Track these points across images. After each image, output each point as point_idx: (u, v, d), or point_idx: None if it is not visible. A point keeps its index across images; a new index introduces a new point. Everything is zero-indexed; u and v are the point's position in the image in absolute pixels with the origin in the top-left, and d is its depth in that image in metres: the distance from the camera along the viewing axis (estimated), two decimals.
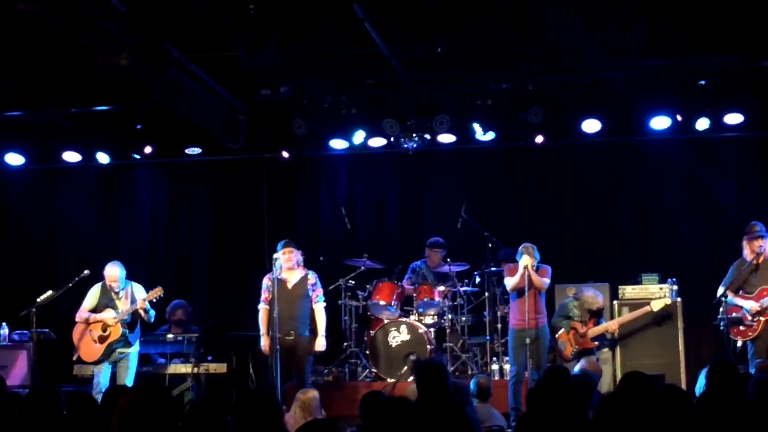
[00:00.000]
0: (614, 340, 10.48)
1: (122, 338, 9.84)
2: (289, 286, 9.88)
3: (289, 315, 9.78)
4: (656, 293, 10.51)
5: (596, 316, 10.34)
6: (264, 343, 9.77)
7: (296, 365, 9.83)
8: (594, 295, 10.32)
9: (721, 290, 9.88)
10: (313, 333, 9.88)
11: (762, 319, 9.69)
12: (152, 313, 10.00)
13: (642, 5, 8.78)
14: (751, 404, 5.32)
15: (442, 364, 6.91)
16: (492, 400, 8.19)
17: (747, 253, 9.87)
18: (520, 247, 9.87)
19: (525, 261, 9.68)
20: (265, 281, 9.88)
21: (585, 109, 10.94)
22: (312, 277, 9.99)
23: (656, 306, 10.34)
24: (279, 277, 9.84)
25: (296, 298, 9.84)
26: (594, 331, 10.24)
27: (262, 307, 9.87)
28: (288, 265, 9.86)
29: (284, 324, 9.75)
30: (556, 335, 10.35)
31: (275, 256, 9.85)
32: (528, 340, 9.55)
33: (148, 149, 11.62)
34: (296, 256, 9.92)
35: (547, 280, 9.89)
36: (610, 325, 10.32)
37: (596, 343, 10.31)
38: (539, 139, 11.02)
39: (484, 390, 8.01)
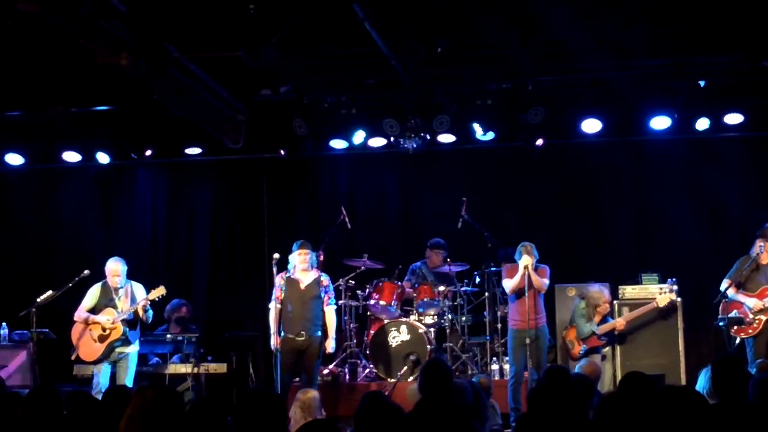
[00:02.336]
0: (615, 336, 10.43)
1: (123, 337, 9.83)
2: (302, 286, 9.88)
3: (301, 315, 9.79)
4: (656, 293, 10.50)
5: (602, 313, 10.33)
6: (274, 341, 9.77)
7: (306, 366, 9.83)
8: (599, 291, 10.30)
9: (724, 284, 9.89)
10: (324, 334, 9.88)
11: (763, 317, 9.71)
12: (150, 313, 9.99)
13: (642, 5, 8.78)
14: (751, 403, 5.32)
15: (448, 364, 6.92)
16: (492, 400, 8.18)
17: (756, 252, 9.87)
18: (519, 247, 9.84)
19: (525, 261, 9.65)
20: (278, 280, 9.86)
21: (585, 109, 10.95)
22: (325, 280, 9.99)
23: (662, 302, 10.33)
24: (292, 276, 9.85)
25: (308, 299, 9.85)
26: (601, 329, 10.22)
27: (274, 306, 9.84)
28: (303, 267, 9.87)
29: (295, 324, 9.76)
30: (563, 334, 10.35)
31: (290, 256, 9.88)
32: (528, 341, 9.54)
33: (147, 149, 11.62)
34: (311, 257, 9.93)
35: (546, 281, 9.87)
36: (618, 323, 10.29)
37: (604, 341, 10.28)
38: (539, 142, 11.01)
39: (484, 390, 8.00)
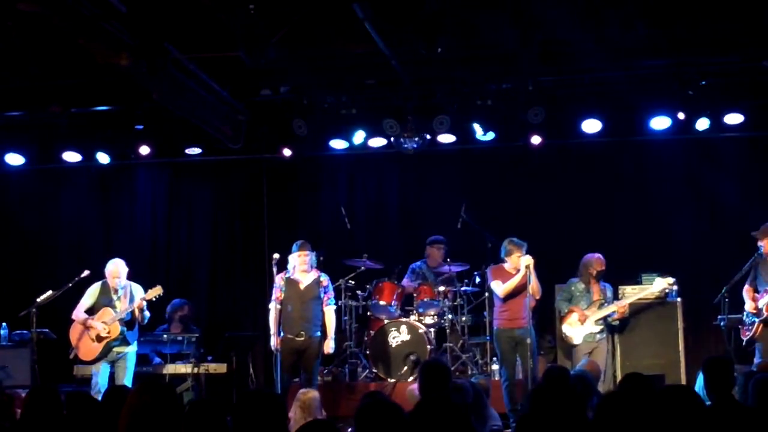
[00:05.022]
0: (613, 327, 10.37)
1: (120, 336, 9.82)
2: (302, 287, 9.88)
3: (301, 315, 9.80)
4: (656, 292, 10.47)
5: (600, 278, 10.23)
6: (274, 342, 9.77)
7: (305, 366, 9.83)
8: (589, 258, 10.20)
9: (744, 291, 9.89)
10: (323, 335, 9.89)
11: (756, 320, 9.66)
12: (147, 314, 9.98)
13: (642, 5, 8.78)
14: (748, 403, 5.34)
15: (446, 364, 6.92)
16: (491, 401, 8.18)
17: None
18: (506, 244, 9.77)
19: (527, 261, 9.59)
20: (278, 280, 9.88)
21: (585, 109, 10.94)
22: (324, 280, 10.00)
23: (658, 286, 10.31)
24: (292, 277, 9.86)
25: (308, 299, 9.85)
26: (597, 315, 10.12)
27: (274, 306, 9.85)
28: (303, 267, 9.87)
29: (295, 324, 9.77)
30: (560, 323, 10.29)
31: (290, 256, 9.89)
32: (528, 340, 9.50)
33: (147, 149, 11.63)
34: (311, 258, 9.94)
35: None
36: (618, 307, 10.21)
37: (602, 326, 10.21)
38: (536, 139, 10.97)
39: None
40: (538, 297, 9.79)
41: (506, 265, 9.80)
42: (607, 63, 10.16)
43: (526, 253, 9.70)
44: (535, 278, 9.60)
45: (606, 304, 10.19)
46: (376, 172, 12.58)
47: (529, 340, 9.48)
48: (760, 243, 9.82)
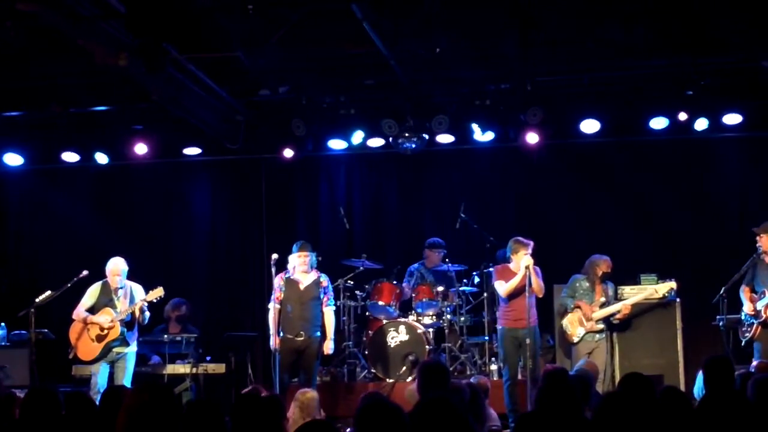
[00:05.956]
0: (613, 326, 10.36)
1: (120, 337, 9.82)
2: (301, 287, 9.90)
3: (300, 315, 9.82)
4: (659, 295, 10.46)
5: (604, 279, 10.22)
6: (274, 342, 9.78)
7: (305, 366, 9.85)
8: (597, 258, 10.21)
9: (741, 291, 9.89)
10: (323, 335, 9.90)
11: (754, 322, 9.66)
12: (147, 314, 9.97)
13: (642, 5, 8.78)
14: (748, 402, 5.33)
15: (445, 365, 6.92)
16: (490, 401, 8.18)
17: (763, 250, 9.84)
18: (514, 245, 9.75)
19: (527, 261, 9.59)
20: (278, 281, 9.89)
21: (585, 109, 10.94)
22: (324, 281, 10.01)
23: (661, 290, 10.31)
24: (291, 277, 9.88)
25: (308, 299, 9.87)
26: (600, 314, 10.13)
27: (273, 307, 9.87)
28: (303, 268, 9.89)
29: (294, 324, 9.80)
30: (560, 322, 10.29)
31: (290, 257, 9.91)
32: (528, 341, 9.51)
33: (146, 149, 11.62)
34: (311, 258, 9.95)
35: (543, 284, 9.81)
36: (624, 306, 10.20)
37: (602, 326, 10.23)
38: (534, 138, 10.93)
39: (482, 391, 7.98)
40: (540, 296, 9.80)
41: (511, 265, 9.81)
42: (607, 63, 10.16)
43: (532, 251, 9.71)
44: (536, 277, 9.60)
45: (608, 304, 10.19)
46: (374, 172, 12.57)
47: (529, 341, 9.49)
48: (758, 239, 9.81)
